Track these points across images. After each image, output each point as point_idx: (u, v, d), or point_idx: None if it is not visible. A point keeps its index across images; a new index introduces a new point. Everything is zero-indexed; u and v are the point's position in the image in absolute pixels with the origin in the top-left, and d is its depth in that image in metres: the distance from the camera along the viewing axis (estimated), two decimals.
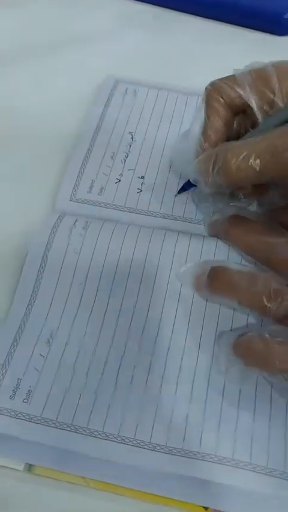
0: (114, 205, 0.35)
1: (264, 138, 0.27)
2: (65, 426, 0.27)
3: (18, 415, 0.27)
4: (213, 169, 0.28)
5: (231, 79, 0.31)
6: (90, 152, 0.38)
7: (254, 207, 0.34)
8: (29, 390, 0.28)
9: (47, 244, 0.32)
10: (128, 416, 0.27)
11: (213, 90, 0.31)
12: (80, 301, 0.31)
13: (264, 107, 0.30)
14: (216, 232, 0.33)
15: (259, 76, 0.30)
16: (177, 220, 0.35)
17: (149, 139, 0.39)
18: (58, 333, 0.29)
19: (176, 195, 0.36)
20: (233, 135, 0.32)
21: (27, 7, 0.51)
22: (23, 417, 0.27)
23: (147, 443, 0.26)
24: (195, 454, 0.26)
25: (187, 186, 0.35)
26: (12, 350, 0.29)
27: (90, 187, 0.36)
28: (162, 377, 0.28)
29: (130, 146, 0.38)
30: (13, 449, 0.27)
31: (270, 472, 0.25)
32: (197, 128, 0.32)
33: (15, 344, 0.29)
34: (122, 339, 0.29)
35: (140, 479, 0.26)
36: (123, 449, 0.26)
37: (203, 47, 0.47)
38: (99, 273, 0.31)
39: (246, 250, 0.31)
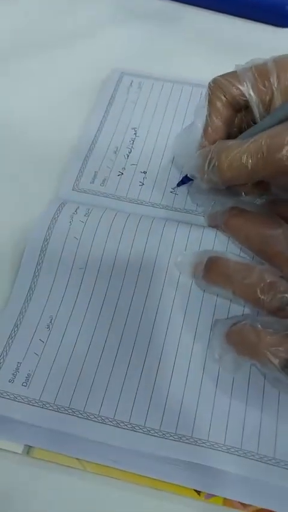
0: (116, 195, 0.36)
1: (257, 138, 0.27)
2: (62, 409, 0.28)
3: (17, 398, 0.28)
4: (208, 166, 0.29)
5: (233, 76, 0.31)
6: (94, 145, 0.39)
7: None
8: (28, 374, 0.29)
9: (48, 229, 0.33)
10: (124, 400, 0.28)
11: (216, 87, 0.31)
12: (80, 286, 0.31)
13: (263, 105, 0.31)
14: (216, 223, 0.33)
15: (260, 72, 0.30)
16: (178, 211, 0.35)
17: (152, 134, 0.39)
18: (58, 319, 0.30)
19: (175, 188, 0.36)
20: (235, 131, 0.33)
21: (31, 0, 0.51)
22: (22, 400, 0.28)
23: (141, 427, 0.27)
24: (187, 439, 0.26)
25: (186, 180, 0.35)
26: (13, 334, 0.30)
27: (93, 178, 0.37)
28: (159, 362, 0.29)
29: (133, 141, 0.39)
30: (12, 431, 0.28)
31: (261, 458, 0.26)
32: (199, 124, 0.32)
33: (15, 328, 0.30)
34: (120, 324, 0.30)
35: (136, 462, 0.27)
36: (118, 433, 0.27)
37: (206, 39, 0.47)
38: (99, 259, 0.32)
39: (244, 241, 0.31)
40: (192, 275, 0.31)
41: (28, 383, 0.28)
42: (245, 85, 0.30)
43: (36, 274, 0.32)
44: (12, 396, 0.28)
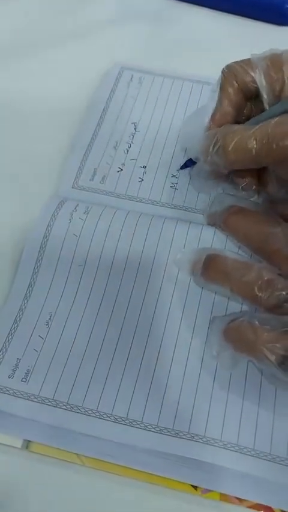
0: (115, 193, 0.36)
1: (263, 125, 0.28)
2: (61, 404, 0.28)
3: (17, 393, 0.28)
4: (213, 148, 0.30)
5: (247, 62, 0.31)
6: (94, 141, 0.39)
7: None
8: (27, 370, 0.29)
9: (48, 226, 0.33)
10: (122, 396, 0.28)
11: (229, 73, 0.32)
12: (79, 283, 0.31)
13: (273, 94, 0.31)
14: (215, 221, 0.33)
15: (273, 61, 0.31)
16: (177, 209, 0.35)
17: (152, 129, 0.39)
18: (57, 315, 0.30)
19: (178, 170, 0.37)
20: (243, 119, 0.33)
21: None
22: (21, 396, 0.28)
23: (139, 423, 0.27)
24: (184, 434, 0.27)
25: (189, 163, 0.36)
26: (12, 331, 0.30)
27: (93, 175, 0.37)
28: (157, 359, 0.29)
29: (133, 136, 0.39)
30: (11, 426, 0.28)
31: (257, 454, 0.26)
32: (209, 108, 0.33)
33: (15, 325, 0.30)
34: (119, 322, 0.30)
35: (133, 458, 0.27)
36: (116, 428, 0.27)
37: (206, 37, 0.47)
38: (99, 256, 0.32)
39: (243, 239, 0.32)
40: (191, 272, 0.31)
41: (27, 379, 0.29)
42: (258, 72, 0.31)
43: (36, 271, 0.32)
44: (11, 391, 0.28)
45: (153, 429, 0.27)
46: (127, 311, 0.30)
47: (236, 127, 0.30)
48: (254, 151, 0.28)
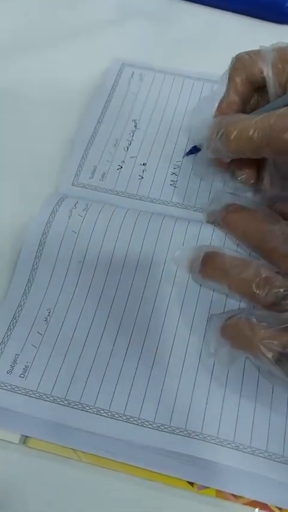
0: (115, 191, 0.36)
1: (266, 116, 0.28)
2: (58, 400, 0.28)
3: (15, 389, 0.28)
4: (216, 135, 0.30)
5: (256, 53, 0.32)
6: (94, 138, 0.39)
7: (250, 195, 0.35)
8: (26, 366, 0.29)
9: (47, 223, 0.33)
10: (119, 393, 0.28)
11: (238, 63, 0.32)
12: (78, 280, 0.32)
13: (279, 86, 0.31)
14: (214, 219, 0.33)
15: (282, 54, 0.31)
16: (177, 207, 0.35)
17: (153, 127, 0.40)
18: (55, 312, 0.31)
19: (183, 157, 0.38)
20: (249, 110, 0.34)
21: None
22: (19, 391, 0.28)
23: (136, 419, 0.27)
24: (181, 431, 0.27)
25: (194, 150, 0.37)
26: (11, 327, 0.30)
27: (93, 173, 0.37)
28: (154, 356, 0.29)
29: (133, 134, 0.39)
30: (9, 421, 0.28)
31: (253, 451, 0.26)
32: (219, 95, 0.33)
33: (14, 321, 0.30)
34: (117, 318, 0.30)
35: (130, 454, 0.27)
36: (113, 424, 0.27)
37: (207, 36, 0.47)
38: (97, 253, 0.32)
39: (241, 237, 0.32)
40: (189, 270, 0.31)
41: (26, 375, 0.29)
42: (266, 63, 0.31)
43: (35, 267, 0.32)
44: (9, 387, 0.28)
45: (150, 426, 0.27)
46: (125, 308, 0.31)
47: (241, 116, 0.30)
48: (255, 140, 0.28)
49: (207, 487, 0.27)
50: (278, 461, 0.26)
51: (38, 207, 0.34)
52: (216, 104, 0.33)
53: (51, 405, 0.28)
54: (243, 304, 0.30)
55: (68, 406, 0.28)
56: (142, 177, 0.37)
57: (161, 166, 0.37)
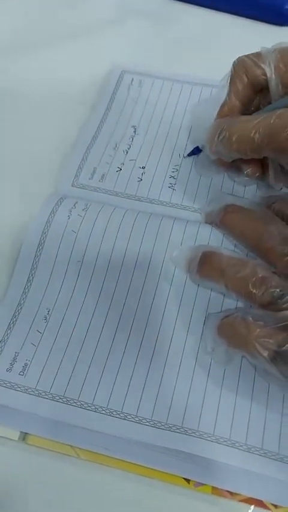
0: (114, 191, 0.37)
1: (266, 116, 0.29)
2: (57, 398, 0.28)
3: (14, 386, 0.29)
4: (218, 137, 0.31)
5: (257, 55, 0.32)
6: (94, 141, 0.39)
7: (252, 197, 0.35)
8: (25, 364, 0.29)
9: (47, 223, 0.33)
10: (117, 391, 0.28)
11: (239, 66, 0.33)
12: (77, 279, 0.32)
13: (282, 86, 0.31)
14: (212, 220, 0.34)
15: (283, 54, 0.31)
16: (175, 208, 0.36)
17: (152, 132, 0.40)
18: (55, 310, 0.31)
19: (185, 157, 0.38)
20: (252, 110, 0.34)
21: None
22: (19, 389, 0.29)
23: (133, 416, 0.28)
24: (178, 428, 0.27)
25: (196, 151, 0.37)
26: (11, 325, 0.31)
27: (92, 174, 0.38)
28: (152, 354, 0.29)
29: (133, 138, 0.40)
30: (8, 418, 0.28)
31: (249, 448, 0.27)
32: (220, 97, 0.34)
33: (14, 319, 0.31)
34: (116, 317, 0.31)
35: (127, 450, 0.27)
36: (111, 421, 0.27)
37: (206, 38, 0.47)
38: (97, 252, 0.32)
39: (239, 237, 0.32)
40: (187, 269, 0.31)
41: (25, 372, 0.29)
42: (268, 65, 0.31)
43: (34, 266, 0.32)
44: (9, 384, 0.29)
45: (147, 423, 0.27)
46: (124, 307, 0.31)
47: (241, 118, 0.31)
48: (256, 141, 0.29)
49: (203, 484, 0.27)
50: (273, 459, 0.26)
51: (38, 207, 0.34)
52: (218, 107, 0.34)
53: (50, 403, 0.28)
54: (240, 304, 0.30)
55: (67, 404, 0.28)
56: (141, 179, 0.37)
57: (160, 169, 0.38)
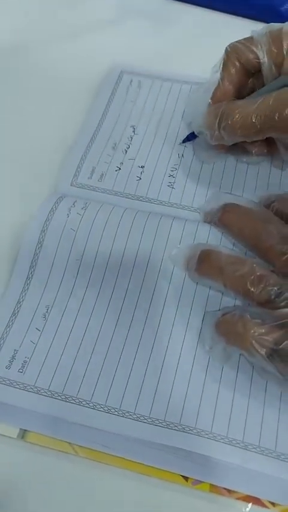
0: (113, 191, 0.37)
1: (265, 99, 0.30)
2: (56, 395, 0.28)
3: (13, 384, 0.29)
4: (219, 124, 0.31)
5: (249, 40, 0.33)
6: (93, 141, 0.40)
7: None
8: (24, 361, 0.30)
9: (46, 221, 0.33)
10: (115, 388, 0.28)
11: (232, 52, 0.33)
12: (76, 278, 0.32)
13: (275, 68, 0.32)
14: (211, 218, 0.34)
15: (274, 36, 0.32)
16: (174, 207, 0.36)
17: (151, 132, 0.40)
18: (54, 308, 0.31)
19: (180, 144, 0.39)
20: (246, 92, 0.34)
21: None
22: (18, 386, 0.29)
23: (131, 414, 0.28)
24: (175, 426, 0.27)
25: (191, 137, 0.38)
26: (10, 323, 0.31)
27: (91, 173, 0.38)
28: (151, 352, 0.29)
29: (132, 138, 0.40)
30: (8, 415, 0.29)
31: (246, 446, 0.27)
32: (214, 82, 0.34)
33: (13, 317, 0.31)
34: (115, 315, 0.31)
35: (125, 448, 0.27)
36: (109, 419, 0.28)
37: (204, 38, 0.47)
38: (96, 251, 0.32)
39: (238, 236, 0.32)
40: (186, 268, 0.31)
41: (24, 370, 0.29)
42: (260, 48, 0.32)
43: (34, 264, 0.32)
44: (8, 382, 0.29)
45: (145, 421, 0.27)
46: (123, 305, 0.31)
47: (240, 102, 0.32)
48: (258, 124, 0.30)
49: (201, 482, 0.27)
50: (270, 456, 0.26)
51: (37, 207, 0.34)
52: (210, 93, 0.34)
53: (49, 400, 0.28)
54: (238, 302, 0.31)
55: (65, 401, 0.28)
56: (140, 178, 0.37)
57: (159, 169, 0.38)
